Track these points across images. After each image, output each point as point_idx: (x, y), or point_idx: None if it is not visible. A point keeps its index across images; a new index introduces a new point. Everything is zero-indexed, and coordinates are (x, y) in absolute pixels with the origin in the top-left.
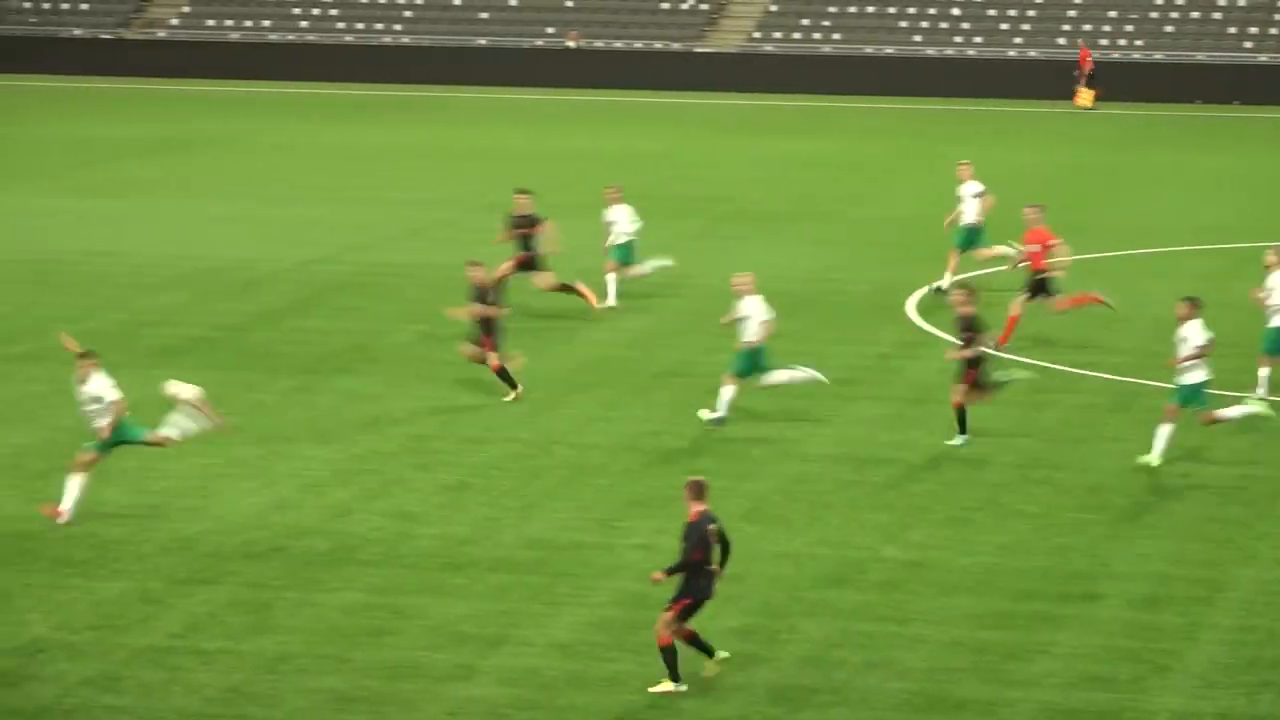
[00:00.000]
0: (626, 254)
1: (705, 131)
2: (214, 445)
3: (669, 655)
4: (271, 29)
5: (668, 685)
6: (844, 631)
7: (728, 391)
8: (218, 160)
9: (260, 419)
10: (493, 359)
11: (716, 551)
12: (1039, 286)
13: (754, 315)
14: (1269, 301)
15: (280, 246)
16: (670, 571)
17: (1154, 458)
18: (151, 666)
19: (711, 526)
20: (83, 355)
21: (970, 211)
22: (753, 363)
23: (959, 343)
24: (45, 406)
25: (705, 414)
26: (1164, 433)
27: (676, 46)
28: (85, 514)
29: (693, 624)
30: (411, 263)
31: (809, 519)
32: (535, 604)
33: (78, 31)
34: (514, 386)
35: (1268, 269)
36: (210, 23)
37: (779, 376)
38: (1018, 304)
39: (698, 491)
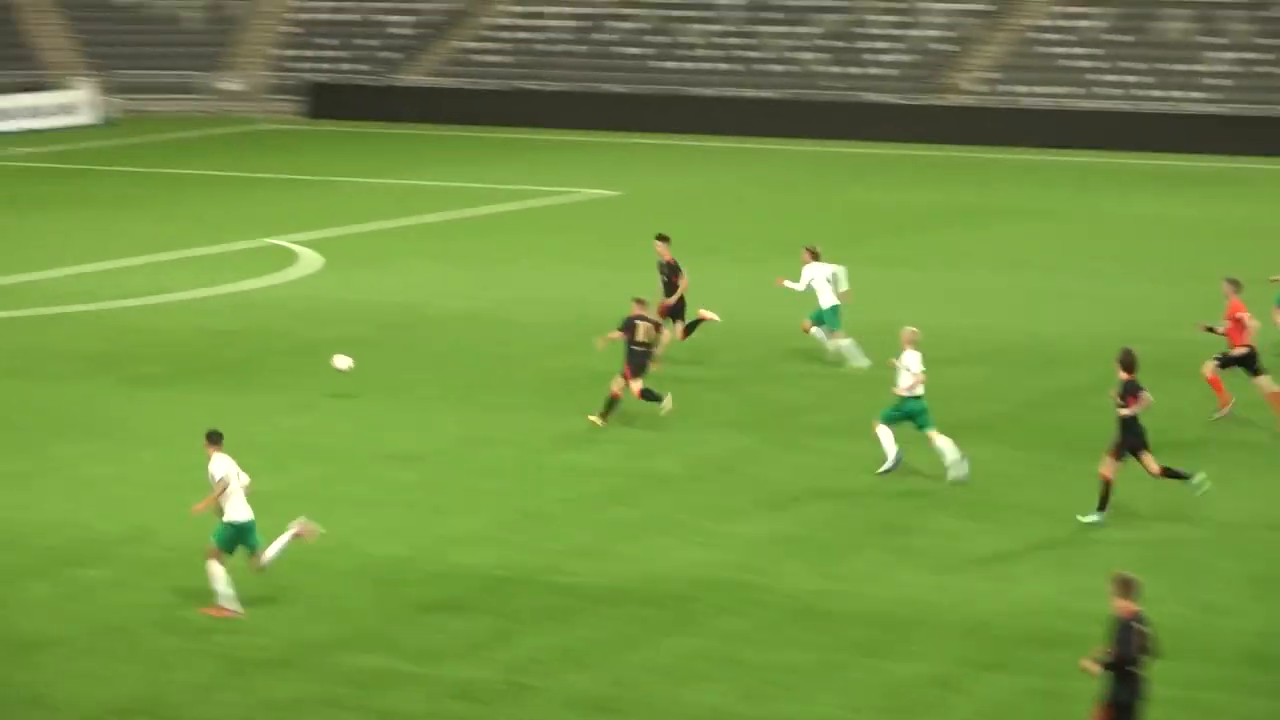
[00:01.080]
0: (833, 318)
1: None
2: (1007, 526)
3: None
4: (1069, 96)
5: None
6: None
7: None
8: (1017, 230)
9: (1056, 500)
10: (628, 385)
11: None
12: (1237, 360)
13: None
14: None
15: (1082, 321)
16: (1101, 665)
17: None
18: None
19: (1141, 627)
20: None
21: None
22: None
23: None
24: (834, 479)
25: None
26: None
27: None
28: (886, 592)
29: None
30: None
31: None
32: None
33: (882, 97)
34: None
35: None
36: (1014, 89)
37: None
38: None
39: (1125, 588)
